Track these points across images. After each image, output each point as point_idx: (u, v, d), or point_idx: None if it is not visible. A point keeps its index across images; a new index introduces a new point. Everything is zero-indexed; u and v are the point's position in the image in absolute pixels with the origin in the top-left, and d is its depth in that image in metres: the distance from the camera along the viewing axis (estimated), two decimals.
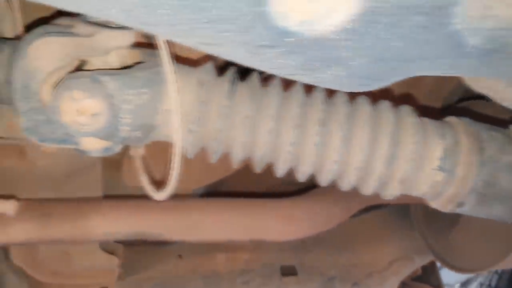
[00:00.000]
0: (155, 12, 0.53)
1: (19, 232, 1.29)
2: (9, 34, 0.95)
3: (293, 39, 0.58)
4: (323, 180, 0.97)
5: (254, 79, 0.94)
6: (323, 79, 0.64)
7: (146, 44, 1.05)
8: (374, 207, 2.03)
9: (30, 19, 1.04)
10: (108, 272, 1.77)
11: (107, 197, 1.55)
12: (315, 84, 0.67)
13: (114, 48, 0.87)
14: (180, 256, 1.96)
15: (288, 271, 2.03)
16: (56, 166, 1.39)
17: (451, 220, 1.87)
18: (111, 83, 0.83)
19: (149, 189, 1.01)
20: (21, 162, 1.33)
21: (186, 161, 1.52)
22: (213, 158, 0.96)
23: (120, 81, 0.84)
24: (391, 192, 0.98)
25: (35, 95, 0.86)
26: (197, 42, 0.58)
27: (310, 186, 1.79)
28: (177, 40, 0.59)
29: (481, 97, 1.56)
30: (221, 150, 0.94)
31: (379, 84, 0.69)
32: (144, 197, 1.55)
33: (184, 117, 0.88)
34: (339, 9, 0.56)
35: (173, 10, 0.52)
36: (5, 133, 1.01)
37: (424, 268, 2.38)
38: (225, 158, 1.04)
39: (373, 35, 0.59)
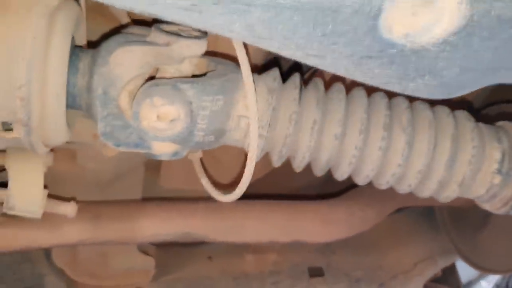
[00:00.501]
0: (276, 28, 0.56)
1: (73, 233, 1.32)
2: (80, 42, 0.99)
3: (395, 51, 0.61)
4: (384, 183, 1.01)
5: (319, 84, 0.98)
6: (414, 87, 0.68)
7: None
8: (398, 209, 2.07)
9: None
10: (143, 273, 1.80)
11: (147, 199, 1.58)
12: (405, 93, 0.71)
13: (188, 57, 0.90)
14: (210, 257, 2.00)
15: (316, 272, 2.06)
16: (103, 170, 1.42)
17: (479, 222, 1.91)
18: (190, 91, 0.86)
19: (213, 191, 1.04)
20: (71, 166, 1.36)
21: (220, 163, 1.56)
22: (278, 162, 0.99)
23: (198, 88, 0.87)
24: (449, 195, 1.02)
25: (114, 101, 0.89)
26: (305, 54, 0.62)
27: (331, 193, 1.84)
28: (285, 52, 0.63)
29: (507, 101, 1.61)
30: (288, 154, 0.97)
31: (462, 92, 0.73)
32: (185, 199, 1.60)
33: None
34: (441, 23, 0.60)
35: (294, 26, 0.56)
36: (71, 138, 1.04)
37: (443, 270, 2.42)
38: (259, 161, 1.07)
39: (468, 46, 0.63)
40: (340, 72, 0.68)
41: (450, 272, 2.49)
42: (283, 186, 1.89)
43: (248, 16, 0.55)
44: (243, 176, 0.92)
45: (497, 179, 0.98)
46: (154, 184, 1.67)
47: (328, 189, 1.92)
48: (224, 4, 0.53)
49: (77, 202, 1.28)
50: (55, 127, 0.88)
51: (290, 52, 0.62)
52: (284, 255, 2.02)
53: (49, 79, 0.83)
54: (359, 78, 0.68)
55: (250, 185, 1.68)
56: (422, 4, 0.58)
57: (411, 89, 0.69)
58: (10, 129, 0.87)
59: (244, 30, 0.58)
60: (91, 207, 1.38)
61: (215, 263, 1.99)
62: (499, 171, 0.98)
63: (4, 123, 0.88)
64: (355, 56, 0.62)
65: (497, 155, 0.99)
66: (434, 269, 2.22)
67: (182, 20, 0.58)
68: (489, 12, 0.59)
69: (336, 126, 0.94)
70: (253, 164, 0.90)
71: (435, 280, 2.43)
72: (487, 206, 1.06)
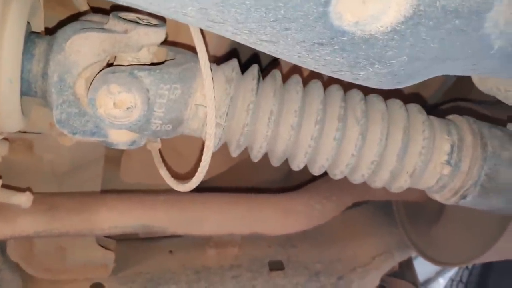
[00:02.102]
0: (229, 11, 0.57)
1: (28, 225, 1.30)
2: (37, 28, 0.97)
3: (345, 38, 0.63)
4: (338, 173, 1.03)
5: (277, 76, 1.00)
6: (365, 76, 0.70)
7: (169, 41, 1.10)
8: (357, 203, 2.12)
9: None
10: (102, 267, 1.78)
11: (107, 191, 1.57)
12: (355, 81, 0.73)
13: (146, 45, 0.90)
14: (171, 251, 2.00)
15: (276, 266, 2.08)
16: (61, 161, 1.41)
17: (433, 216, 1.96)
18: (147, 78, 0.87)
19: (171, 181, 1.04)
20: (28, 156, 1.34)
21: (180, 156, 1.56)
22: (236, 152, 1.00)
23: (156, 76, 0.87)
24: (401, 185, 1.05)
25: (70, 88, 0.88)
26: (258, 39, 0.63)
27: (293, 186, 1.87)
28: (239, 37, 0.64)
29: (462, 99, 1.67)
30: (245, 144, 0.99)
31: (411, 82, 0.75)
32: (144, 192, 1.59)
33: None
34: (390, 12, 0.62)
35: (247, 10, 0.57)
36: (26, 127, 1.03)
37: (400, 264, 2.48)
38: (221, 155, 1.08)
39: (416, 36, 0.65)
40: (293, 59, 0.69)
41: (407, 266, 2.56)
42: (246, 180, 1.91)
43: None
44: (200, 165, 0.93)
45: (447, 170, 1.02)
46: (115, 177, 1.66)
47: (291, 183, 1.95)
48: None
49: (34, 193, 1.26)
50: (9, 113, 0.87)
51: (244, 37, 0.63)
52: (245, 249, 2.03)
53: (1, 65, 0.81)
54: (311, 65, 0.70)
55: (214, 179, 1.70)
56: None
57: (362, 78, 0.71)
58: None
59: (198, 14, 0.58)
60: (47, 198, 1.36)
61: (176, 256, 1.99)
62: (448, 162, 1.02)
63: None
64: (307, 42, 0.63)
65: (447, 147, 1.02)
66: (391, 263, 2.27)
67: (137, 3, 0.59)
68: (435, 2, 0.62)
69: (292, 117, 0.96)
70: (210, 153, 0.91)
71: (392, 274, 2.49)
72: (437, 197, 1.09)
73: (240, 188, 1.86)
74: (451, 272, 3.38)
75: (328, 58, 0.66)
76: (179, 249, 1.99)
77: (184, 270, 1.95)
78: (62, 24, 1.02)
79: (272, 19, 0.59)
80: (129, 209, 1.41)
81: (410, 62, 0.69)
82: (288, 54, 0.67)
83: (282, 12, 0.58)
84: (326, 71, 0.71)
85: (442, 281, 4.42)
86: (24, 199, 1.15)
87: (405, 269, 2.56)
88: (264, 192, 1.73)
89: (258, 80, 0.97)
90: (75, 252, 1.71)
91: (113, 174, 1.65)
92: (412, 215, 2.10)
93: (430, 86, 1.64)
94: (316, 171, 1.04)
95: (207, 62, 0.88)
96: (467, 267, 2.90)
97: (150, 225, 1.42)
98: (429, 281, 4.88)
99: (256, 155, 1.01)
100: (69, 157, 1.41)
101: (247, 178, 1.90)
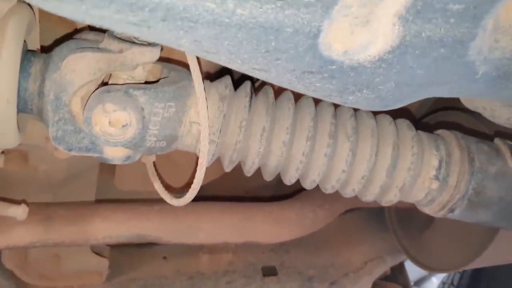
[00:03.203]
0: (222, 43, 0.59)
1: (23, 236, 1.32)
2: (33, 46, 0.99)
3: (334, 67, 0.65)
4: (329, 188, 1.05)
5: (269, 93, 1.02)
6: (354, 100, 0.72)
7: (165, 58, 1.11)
8: (350, 209, 2.14)
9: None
10: (97, 274, 1.80)
11: (101, 201, 1.59)
12: (346, 105, 0.75)
13: (141, 64, 0.92)
14: (165, 257, 2.01)
15: (269, 272, 2.11)
16: (56, 171, 1.42)
17: (424, 222, 1.99)
18: (142, 97, 0.88)
19: (165, 195, 1.06)
20: (23, 167, 1.35)
21: (177, 165, 1.58)
22: (229, 167, 1.02)
23: (150, 95, 0.89)
24: (391, 199, 1.07)
25: (66, 106, 0.90)
26: (251, 67, 0.65)
27: (285, 194, 1.89)
28: (232, 65, 0.66)
29: (449, 108, 1.69)
30: (238, 159, 1.01)
31: (399, 104, 0.78)
32: (139, 201, 1.61)
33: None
34: (377, 42, 0.64)
35: (239, 43, 0.59)
36: (23, 140, 1.04)
37: (392, 268, 2.50)
38: (215, 162, 1.10)
39: (402, 64, 0.67)
40: (284, 85, 0.72)
41: (399, 270, 2.59)
42: (239, 188, 1.93)
43: (194, 32, 0.58)
44: (194, 182, 0.95)
45: (435, 185, 1.04)
46: (109, 186, 1.67)
47: (283, 191, 1.97)
48: (171, 21, 0.55)
49: (29, 204, 1.28)
50: (5, 131, 0.88)
51: (236, 65, 0.65)
52: (238, 255, 2.05)
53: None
54: (302, 91, 0.72)
55: (206, 187, 1.71)
56: (360, 24, 0.62)
57: (351, 102, 0.73)
58: None
59: (192, 45, 0.60)
60: (42, 209, 1.38)
61: (170, 263, 2.01)
62: (436, 177, 1.04)
63: None
64: (297, 71, 0.65)
65: (435, 162, 1.05)
66: (383, 268, 2.30)
67: (132, 33, 0.61)
68: (420, 33, 0.64)
69: (284, 134, 0.98)
70: (204, 169, 0.93)
71: (384, 278, 2.52)
72: (426, 210, 1.12)
73: (234, 196, 1.88)
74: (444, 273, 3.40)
75: (318, 84, 0.68)
76: (173, 255, 2.01)
77: (178, 276, 1.97)
78: (58, 42, 1.04)
79: (263, 51, 0.61)
80: (123, 219, 1.43)
81: (397, 88, 0.71)
82: (279, 80, 0.69)
83: (273, 44, 0.60)
84: (316, 96, 0.73)
85: (435, 280, 4.44)
86: (20, 212, 1.16)
87: (397, 273, 2.59)
88: (257, 200, 1.75)
89: (251, 97, 0.99)
90: (70, 260, 1.73)
91: (108, 183, 1.66)
92: (403, 222, 2.12)
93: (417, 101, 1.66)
94: (308, 185, 1.06)
95: (201, 81, 0.89)
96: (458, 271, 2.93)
97: (144, 235, 1.44)
98: (422, 280, 4.92)
99: (249, 170, 1.03)
100: (64, 167, 1.42)
101: (240, 184, 1.92)
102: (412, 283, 4.68)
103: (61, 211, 1.39)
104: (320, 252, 2.20)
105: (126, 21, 0.56)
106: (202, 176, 0.93)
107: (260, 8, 0.55)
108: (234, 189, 1.92)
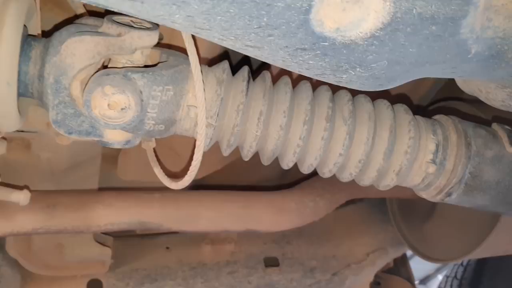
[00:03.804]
0: (214, 19, 0.61)
1: (26, 222, 1.34)
2: (34, 31, 1.00)
3: (327, 43, 0.66)
4: (327, 172, 1.06)
5: (266, 77, 1.03)
6: (348, 79, 0.73)
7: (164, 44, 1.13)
8: (352, 201, 2.15)
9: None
10: (100, 263, 1.82)
11: (104, 189, 1.60)
12: (338, 84, 0.76)
13: (139, 48, 0.93)
14: (168, 247, 2.03)
15: (271, 262, 2.12)
16: (59, 159, 1.44)
17: (425, 213, 2.00)
18: (140, 80, 0.90)
19: (165, 179, 1.07)
20: (26, 155, 1.37)
21: (178, 155, 1.59)
22: (227, 151, 1.03)
23: (149, 78, 0.90)
24: (388, 183, 1.08)
25: (65, 90, 0.91)
26: (244, 44, 0.66)
27: (288, 184, 1.90)
28: (225, 42, 0.67)
29: (454, 98, 1.70)
30: (236, 143, 1.02)
31: (393, 84, 0.78)
32: (140, 189, 1.63)
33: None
34: (369, 19, 0.65)
35: (231, 18, 0.60)
36: (24, 126, 1.06)
37: (395, 261, 2.51)
38: (216, 153, 1.11)
39: (394, 41, 0.68)
40: (278, 63, 0.72)
41: (401, 263, 2.60)
42: (243, 178, 1.94)
43: (187, 7, 0.59)
44: (192, 164, 0.96)
45: (432, 169, 1.05)
46: (112, 175, 1.69)
47: (287, 180, 1.99)
48: None
49: (32, 191, 1.29)
50: (6, 114, 0.90)
51: (230, 42, 0.66)
52: (241, 245, 2.07)
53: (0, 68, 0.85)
54: (295, 69, 0.73)
55: (210, 177, 1.73)
56: (351, 1, 0.63)
57: (344, 81, 0.74)
58: None
59: (185, 21, 0.61)
60: (45, 196, 1.39)
61: (173, 253, 2.02)
62: (433, 161, 1.05)
63: None
64: (290, 48, 0.66)
65: (432, 146, 1.05)
66: (385, 259, 2.31)
67: (126, 10, 0.62)
68: (411, 10, 0.65)
69: (281, 117, 0.99)
70: (201, 152, 0.94)
71: (387, 271, 2.53)
72: (423, 194, 1.13)
73: (237, 186, 1.90)
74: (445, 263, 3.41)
75: (311, 62, 0.69)
76: (176, 245, 2.03)
77: (181, 266, 1.99)
78: (58, 27, 1.05)
79: (255, 26, 0.62)
80: (125, 206, 1.45)
81: (390, 66, 0.72)
82: (272, 58, 0.70)
83: (265, 19, 0.61)
84: (310, 74, 0.74)
85: (441, 277, 4.45)
86: (22, 197, 1.18)
87: (400, 266, 2.60)
88: (259, 190, 1.76)
89: (248, 81, 1.00)
90: (73, 249, 1.74)
91: (110, 173, 1.68)
92: (405, 213, 2.13)
93: (422, 85, 1.67)
94: (305, 169, 1.07)
95: (198, 65, 0.91)
96: (461, 264, 2.94)
97: (146, 222, 1.45)
98: (428, 277, 4.93)
99: (246, 154, 1.04)
100: (67, 155, 1.44)
101: (244, 176, 1.94)
102: (417, 281, 4.69)
103: (63, 198, 1.41)
104: (322, 244, 2.21)
105: None
106: (200, 158, 0.95)
107: None
108: (237, 180, 1.93)
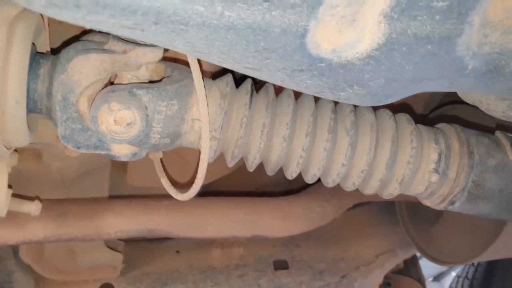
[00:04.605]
0: (213, 44, 0.62)
1: (38, 231, 1.37)
2: (43, 49, 1.03)
3: (323, 64, 0.68)
4: (330, 181, 1.08)
5: (269, 90, 1.04)
6: (346, 96, 0.75)
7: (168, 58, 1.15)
8: (360, 203, 2.16)
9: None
10: (111, 268, 1.85)
11: (113, 197, 1.63)
12: (339, 101, 0.78)
13: (144, 64, 0.96)
14: (178, 251, 2.06)
15: (280, 265, 2.14)
16: (69, 169, 1.46)
17: (433, 215, 2.00)
18: (145, 96, 0.92)
19: (171, 190, 1.10)
20: (37, 164, 1.40)
21: (186, 162, 1.61)
22: (231, 162, 1.05)
23: (154, 94, 0.93)
24: (391, 192, 1.09)
25: (73, 106, 0.94)
26: (243, 67, 0.68)
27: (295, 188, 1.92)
28: (225, 64, 0.69)
29: (459, 102, 1.70)
30: (240, 155, 1.04)
31: (390, 100, 0.80)
32: (149, 197, 1.65)
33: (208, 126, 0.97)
34: (364, 40, 0.66)
35: (229, 43, 0.62)
36: (34, 139, 1.09)
37: (405, 261, 2.51)
38: (220, 160, 1.13)
39: (391, 60, 0.69)
40: (278, 82, 0.74)
41: (412, 263, 2.60)
42: (250, 183, 1.96)
43: (186, 34, 0.61)
44: (196, 177, 0.98)
45: (435, 178, 1.06)
46: (121, 182, 1.72)
47: (295, 185, 2.00)
48: (163, 24, 0.58)
49: (42, 200, 1.32)
50: (16, 131, 0.93)
51: (229, 65, 0.68)
52: (250, 249, 2.09)
53: (9, 87, 0.87)
54: (294, 87, 0.75)
55: (217, 183, 1.75)
56: (346, 23, 0.65)
57: (343, 98, 0.76)
58: None
59: (185, 46, 0.64)
60: (56, 205, 1.42)
61: (183, 257, 2.05)
62: (436, 170, 1.06)
63: None
64: (288, 69, 0.68)
65: (434, 155, 1.06)
66: (394, 261, 2.31)
67: (127, 36, 0.64)
68: (406, 30, 0.66)
69: (284, 129, 1.01)
70: (205, 165, 0.96)
71: (397, 271, 2.53)
72: (427, 203, 1.14)
73: (244, 191, 1.92)
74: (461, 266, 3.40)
75: (309, 82, 0.71)
76: (186, 249, 2.06)
77: (191, 270, 2.01)
78: (66, 43, 1.08)
79: (253, 50, 0.64)
80: (134, 214, 1.48)
81: (387, 84, 0.74)
82: (271, 79, 0.72)
83: (262, 44, 0.63)
84: (309, 92, 0.76)
85: (454, 274, 4.43)
86: (34, 208, 1.21)
87: (410, 266, 2.60)
88: (267, 196, 1.78)
89: (251, 94, 1.01)
90: (85, 254, 1.78)
91: (120, 179, 1.70)
92: (413, 215, 2.13)
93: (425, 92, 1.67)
94: (309, 179, 1.09)
95: (201, 79, 0.93)
96: (472, 264, 2.93)
97: (154, 229, 1.48)
98: (442, 274, 4.91)
99: (250, 166, 1.06)
100: (77, 164, 1.47)
101: (251, 181, 1.96)
102: (431, 278, 4.67)
103: (73, 207, 1.44)
104: (331, 246, 2.22)
105: (121, 24, 0.59)
106: (204, 171, 0.97)
107: (247, 9, 0.58)
108: (245, 185, 1.95)
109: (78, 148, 0.98)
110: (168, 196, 1.56)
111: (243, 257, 2.09)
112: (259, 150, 1.01)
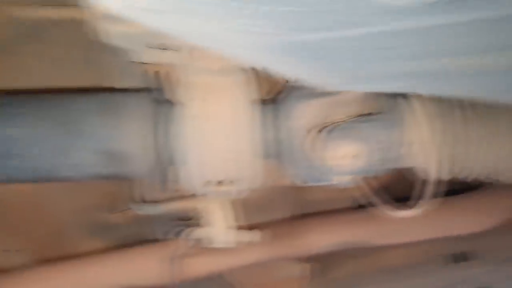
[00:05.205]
0: None
1: (251, 254, 1.50)
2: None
3: None
4: None
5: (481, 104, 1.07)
6: None
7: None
8: None
9: None
10: (301, 279, 1.95)
11: (306, 215, 1.72)
12: None
13: (353, 101, 1.03)
14: (354, 256, 2.11)
15: (460, 258, 2.11)
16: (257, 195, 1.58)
17: None
18: (367, 129, 0.99)
19: (388, 207, 1.15)
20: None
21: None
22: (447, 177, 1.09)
23: (373, 125, 1.00)
24: None
25: (300, 148, 1.04)
26: None
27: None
28: None
29: None
30: (458, 171, 1.07)
31: None
32: (335, 211, 1.73)
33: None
34: None
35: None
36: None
37: None
38: None
39: None
40: None
41: None
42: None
43: None
44: (423, 196, 1.03)
45: None
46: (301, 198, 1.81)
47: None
48: None
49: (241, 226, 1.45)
50: (254, 177, 1.05)
51: None
52: (429, 245, 2.08)
53: (249, 146, 0.99)
54: None
55: None
56: None
57: None
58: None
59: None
60: (263, 228, 1.54)
61: (360, 260, 2.10)
62: None
63: (218, 181, 1.06)
64: None
65: None
66: None
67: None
68: None
69: (499, 139, 1.03)
70: (432, 185, 1.01)
71: None
72: None
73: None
74: None
75: None
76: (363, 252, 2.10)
77: (373, 271, 2.06)
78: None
79: None
80: (333, 229, 1.56)
81: None
82: None
83: None
84: None
85: None
86: (256, 236, 1.34)
87: None
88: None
89: (462, 109, 1.05)
90: (277, 268, 1.90)
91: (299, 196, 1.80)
92: None
93: None
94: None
95: (418, 105, 0.98)
96: None
97: (354, 241, 1.55)
98: None
99: (465, 178, 1.09)
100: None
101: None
102: None
103: (279, 229, 1.56)
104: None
105: None
106: (431, 191, 1.02)
107: None
108: None
109: (305, 183, 1.08)
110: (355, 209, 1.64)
111: (427, 252, 2.10)
112: (481, 163, 1.04)
